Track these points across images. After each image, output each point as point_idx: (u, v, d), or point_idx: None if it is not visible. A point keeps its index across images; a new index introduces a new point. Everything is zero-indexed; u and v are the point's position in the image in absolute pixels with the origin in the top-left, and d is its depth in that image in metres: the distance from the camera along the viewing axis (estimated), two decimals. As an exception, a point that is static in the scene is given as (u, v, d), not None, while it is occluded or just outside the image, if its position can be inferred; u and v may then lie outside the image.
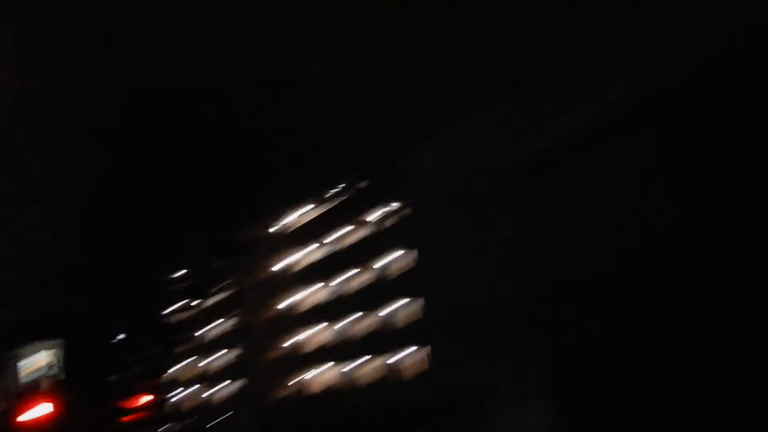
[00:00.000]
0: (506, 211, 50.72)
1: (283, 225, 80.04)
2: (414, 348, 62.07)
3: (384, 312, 67.10)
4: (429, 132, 58.12)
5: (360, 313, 70.27)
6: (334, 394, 69.01)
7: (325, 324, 75.53)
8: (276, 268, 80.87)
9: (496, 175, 51.56)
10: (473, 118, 55.13)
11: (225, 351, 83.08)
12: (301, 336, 78.33)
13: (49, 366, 38.39)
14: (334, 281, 74.80)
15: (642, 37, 43.49)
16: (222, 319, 79.94)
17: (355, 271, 71.52)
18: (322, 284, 76.72)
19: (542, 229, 47.70)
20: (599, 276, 42.51)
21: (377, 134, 64.72)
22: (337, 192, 73.19)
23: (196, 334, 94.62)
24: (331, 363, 74.31)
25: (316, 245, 77.72)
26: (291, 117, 44.11)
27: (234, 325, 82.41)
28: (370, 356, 68.51)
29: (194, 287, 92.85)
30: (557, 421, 42.08)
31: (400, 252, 64.41)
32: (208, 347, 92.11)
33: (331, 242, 75.35)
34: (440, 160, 57.79)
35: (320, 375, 76.38)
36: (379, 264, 67.24)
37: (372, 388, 64.76)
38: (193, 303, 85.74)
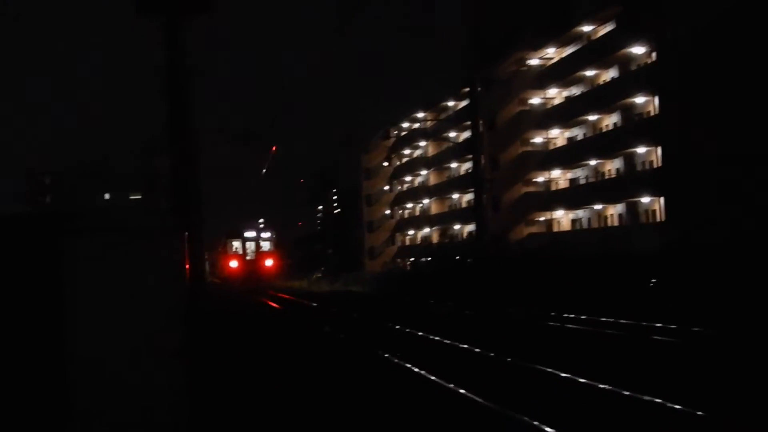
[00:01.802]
0: None
1: (533, 62, 77.97)
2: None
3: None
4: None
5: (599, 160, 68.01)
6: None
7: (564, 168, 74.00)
8: (525, 107, 79.49)
9: None
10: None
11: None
12: (545, 177, 77.27)
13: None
14: (577, 126, 72.58)
15: None
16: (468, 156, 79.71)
17: (597, 116, 68.88)
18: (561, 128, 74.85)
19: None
20: None
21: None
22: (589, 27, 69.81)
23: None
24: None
25: (562, 87, 75.42)
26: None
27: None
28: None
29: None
30: None
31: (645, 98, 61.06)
32: (455, 185, 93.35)
33: (579, 85, 72.68)
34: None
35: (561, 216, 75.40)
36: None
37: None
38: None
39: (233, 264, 71.56)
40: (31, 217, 7.40)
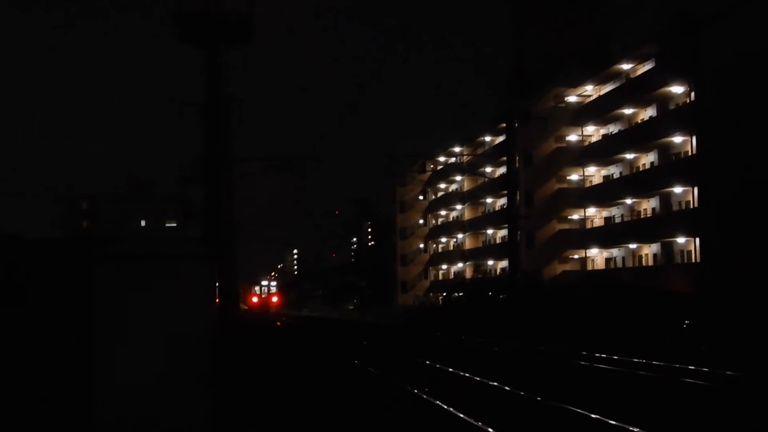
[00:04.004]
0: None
1: (571, 98, 77.89)
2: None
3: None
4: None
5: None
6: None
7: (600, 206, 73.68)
8: (562, 143, 79.34)
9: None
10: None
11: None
12: (581, 214, 76.94)
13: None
14: (614, 164, 72.30)
15: None
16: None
17: (634, 154, 68.59)
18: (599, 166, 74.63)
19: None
20: None
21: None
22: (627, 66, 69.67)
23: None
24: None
25: (599, 124, 75.29)
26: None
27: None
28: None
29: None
30: None
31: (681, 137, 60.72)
32: (491, 220, 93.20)
33: (617, 123, 72.50)
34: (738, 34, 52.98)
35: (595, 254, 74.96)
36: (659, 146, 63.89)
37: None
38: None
39: (254, 299, 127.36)
40: (65, 241, 7.51)
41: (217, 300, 21.37)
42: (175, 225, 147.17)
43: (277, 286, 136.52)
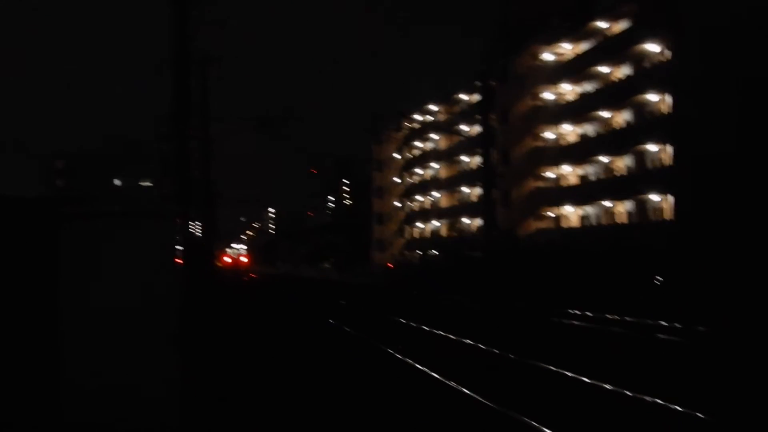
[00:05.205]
0: None
1: (548, 57, 77.64)
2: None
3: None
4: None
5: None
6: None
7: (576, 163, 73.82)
8: (538, 102, 79.21)
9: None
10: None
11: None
12: (556, 172, 77.09)
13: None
14: (589, 122, 72.34)
15: None
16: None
17: (610, 113, 68.62)
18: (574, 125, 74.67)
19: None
20: None
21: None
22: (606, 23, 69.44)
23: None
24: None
25: (575, 83, 75.18)
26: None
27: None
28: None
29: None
30: None
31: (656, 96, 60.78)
32: (465, 178, 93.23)
33: (593, 81, 72.43)
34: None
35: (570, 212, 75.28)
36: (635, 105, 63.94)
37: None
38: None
39: (227, 259, 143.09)
40: (28, 201, 7.38)
41: (188, 258, 21.31)
42: (150, 184, 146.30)
43: (247, 248, 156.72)
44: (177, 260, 7.41)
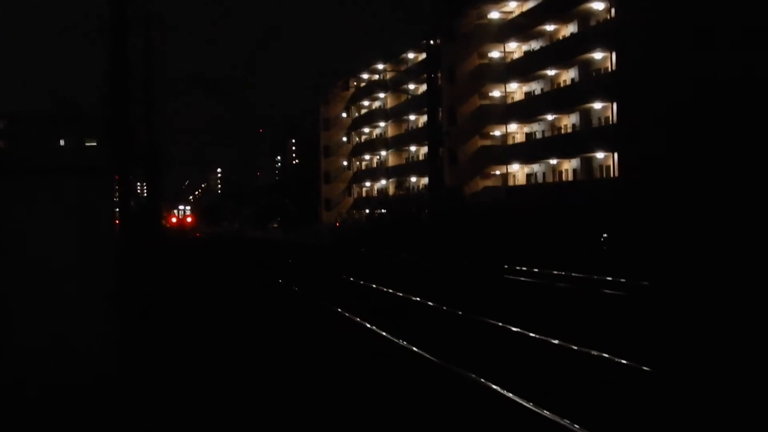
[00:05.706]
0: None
1: (494, 15, 77.51)
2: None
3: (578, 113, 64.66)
4: None
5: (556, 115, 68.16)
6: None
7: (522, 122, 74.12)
8: (484, 60, 79.17)
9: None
10: None
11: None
12: (503, 131, 77.35)
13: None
14: (536, 80, 72.53)
15: None
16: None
17: (556, 71, 68.83)
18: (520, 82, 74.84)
19: None
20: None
21: None
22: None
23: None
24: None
25: (522, 41, 75.22)
26: None
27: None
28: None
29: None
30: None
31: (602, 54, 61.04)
32: (412, 137, 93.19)
33: (539, 39, 72.51)
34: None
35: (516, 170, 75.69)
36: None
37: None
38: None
39: (173, 219, 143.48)
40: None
41: (131, 216, 21.04)
42: (95, 144, 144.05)
43: (192, 209, 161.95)
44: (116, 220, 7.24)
